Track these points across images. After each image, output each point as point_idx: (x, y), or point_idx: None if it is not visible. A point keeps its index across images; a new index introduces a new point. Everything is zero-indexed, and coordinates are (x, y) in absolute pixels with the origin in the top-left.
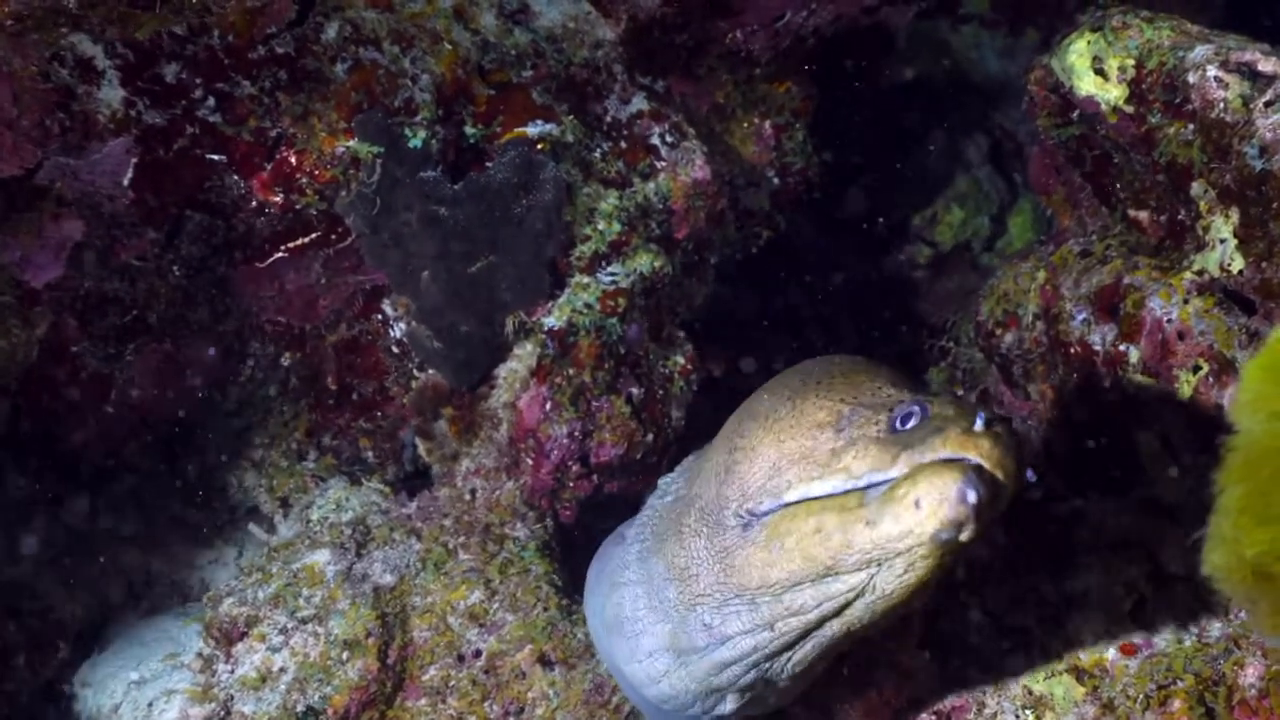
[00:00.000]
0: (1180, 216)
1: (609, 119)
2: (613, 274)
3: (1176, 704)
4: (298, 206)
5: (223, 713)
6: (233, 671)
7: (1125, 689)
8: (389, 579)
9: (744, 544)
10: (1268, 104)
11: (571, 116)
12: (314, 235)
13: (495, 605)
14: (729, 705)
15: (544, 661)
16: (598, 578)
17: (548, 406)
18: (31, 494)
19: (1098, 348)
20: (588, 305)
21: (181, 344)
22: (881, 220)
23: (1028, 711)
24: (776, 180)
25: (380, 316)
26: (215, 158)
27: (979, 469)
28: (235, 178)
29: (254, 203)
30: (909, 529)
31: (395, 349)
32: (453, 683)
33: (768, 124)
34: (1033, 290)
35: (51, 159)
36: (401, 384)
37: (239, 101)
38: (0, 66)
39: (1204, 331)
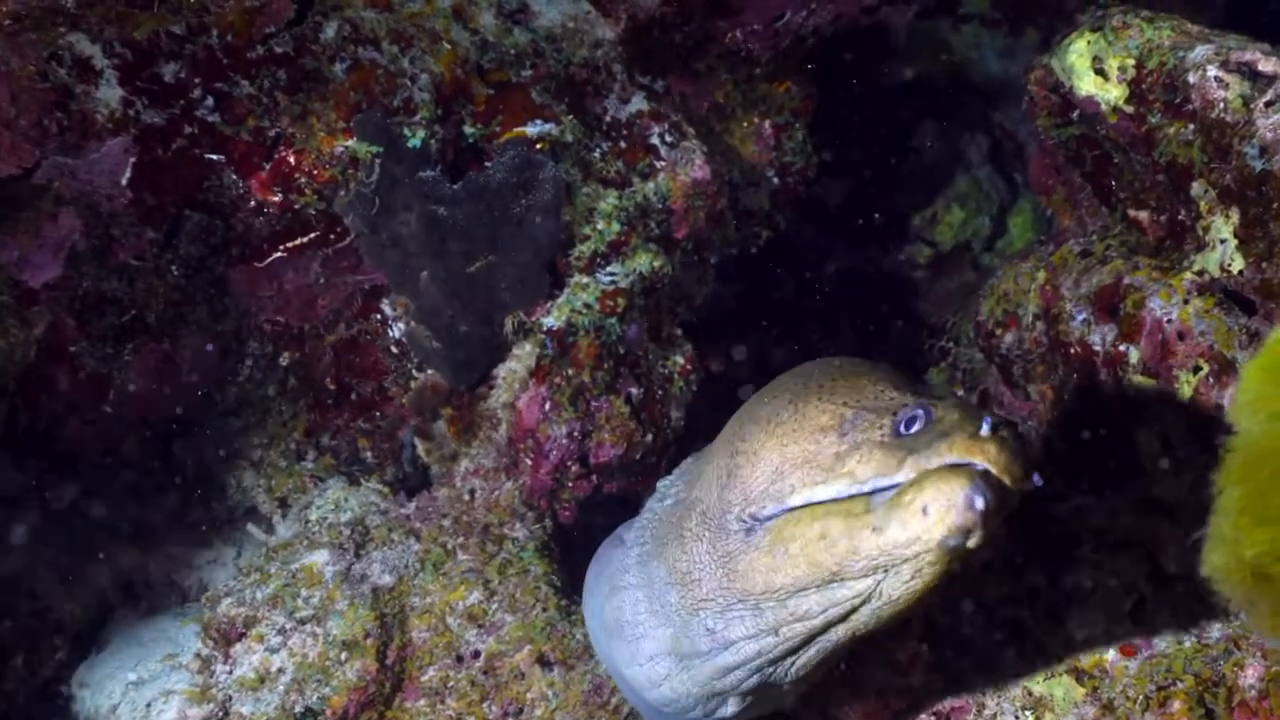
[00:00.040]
0: (1180, 217)
1: (608, 119)
2: (612, 274)
3: (1176, 705)
4: (296, 206)
5: (221, 713)
6: (231, 672)
7: (1125, 690)
8: (388, 579)
9: (747, 549)
10: (1268, 104)
11: (571, 116)
12: (313, 235)
13: (494, 606)
14: (730, 708)
15: (543, 662)
16: (596, 580)
17: (547, 407)
18: (29, 494)
19: (1098, 348)
20: (587, 305)
21: (180, 344)
22: (881, 219)
23: (1027, 712)
24: (776, 180)
25: (379, 316)
26: (214, 157)
27: (985, 474)
28: (234, 177)
29: (252, 202)
30: (916, 535)
31: (394, 349)
32: (451, 683)
33: (767, 124)
34: (1033, 290)
35: (49, 158)
36: (400, 384)
37: (237, 101)
38: None
39: (1204, 332)
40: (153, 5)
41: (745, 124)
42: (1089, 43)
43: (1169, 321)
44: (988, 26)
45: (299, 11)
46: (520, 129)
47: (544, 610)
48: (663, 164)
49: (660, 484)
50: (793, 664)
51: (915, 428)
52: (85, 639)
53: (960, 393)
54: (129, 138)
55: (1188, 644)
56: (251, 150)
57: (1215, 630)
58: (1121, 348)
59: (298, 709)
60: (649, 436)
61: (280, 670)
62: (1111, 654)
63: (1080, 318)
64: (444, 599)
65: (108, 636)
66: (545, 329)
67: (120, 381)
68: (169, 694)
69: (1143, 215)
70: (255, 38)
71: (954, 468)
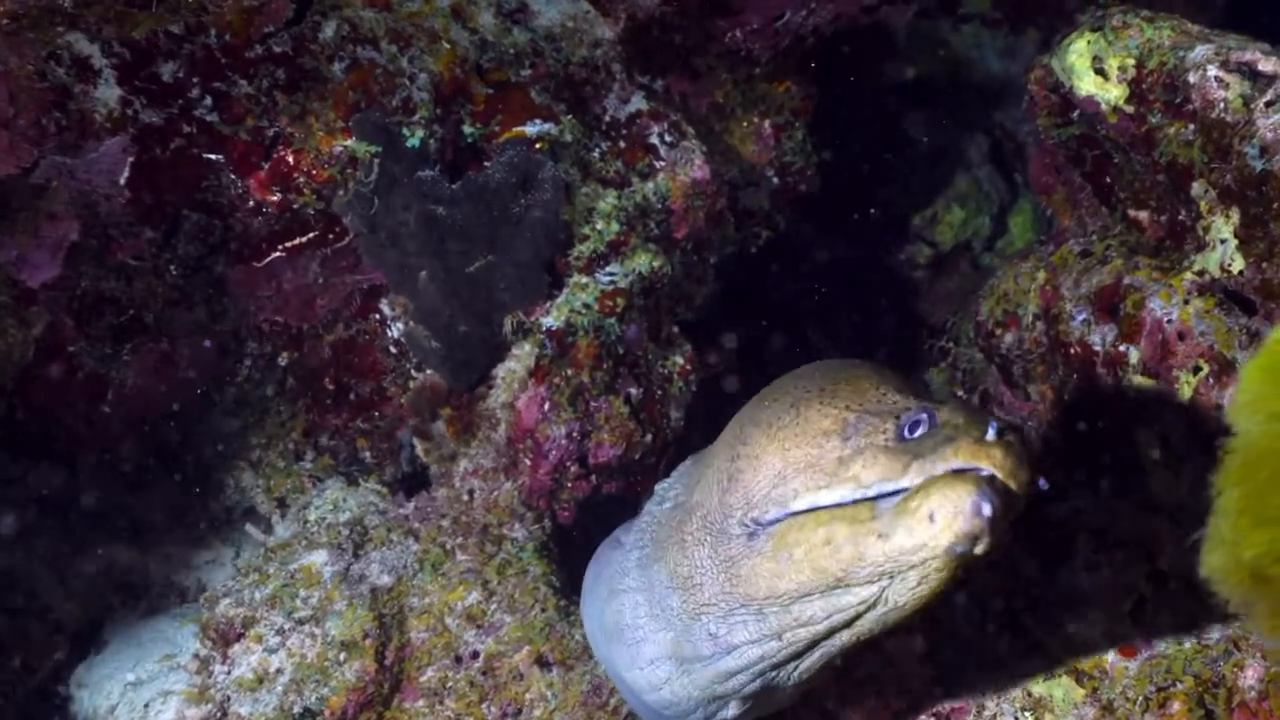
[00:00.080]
0: (1180, 217)
1: (608, 118)
2: (611, 274)
3: (1176, 706)
4: (295, 206)
5: (219, 714)
6: (229, 673)
7: (1125, 691)
8: (386, 580)
9: (750, 554)
10: (1268, 104)
11: (570, 116)
12: (311, 235)
13: (493, 606)
14: (731, 711)
15: (542, 663)
16: (594, 583)
17: (546, 407)
18: (27, 494)
19: (1098, 348)
20: (586, 305)
21: (178, 344)
22: (881, 219)
23: (1027, 713)
24: (776, 180)
25: (378, 316)
26: (212, 157)
27: (991, 480)
28: (232, 177)
29: (251, 202)
30: (923, 542)
31: (393, 349)
32: (450, 684)
33: (767, 123)
34: (1033, 290)
35: (48, 158)
36: (399, 384)
37: (236, 101)
38: None
39: (1204, 332)
40: (151, 5)
41: (745, 124)
42: (1089, 42)
43: (1169, 322)
44: (988, 26)
45: (297, 11)
46: (519, 128)
47: (543, 611)
48: (662, 164)
49: (658, 487)
50: (796, 668)
51: (919, 432)
52: (83, 639)
53: (960, 393)
54: (127, 137)
55: (1187, 645)
56: (250, 150)
57: (1215, 631)
58: (1121, 348)
59: (296, 709)
60: (648, 437)
61: (279, 671)
62: (1111, 655)
63: (1080, 318)
64: (443, 599)
65: (106, 637)
66: (544, 329)
67: (118, 381)
68: (167, 694)
69: (1143, 215)
70: (254, 37)
71: (960, 473)
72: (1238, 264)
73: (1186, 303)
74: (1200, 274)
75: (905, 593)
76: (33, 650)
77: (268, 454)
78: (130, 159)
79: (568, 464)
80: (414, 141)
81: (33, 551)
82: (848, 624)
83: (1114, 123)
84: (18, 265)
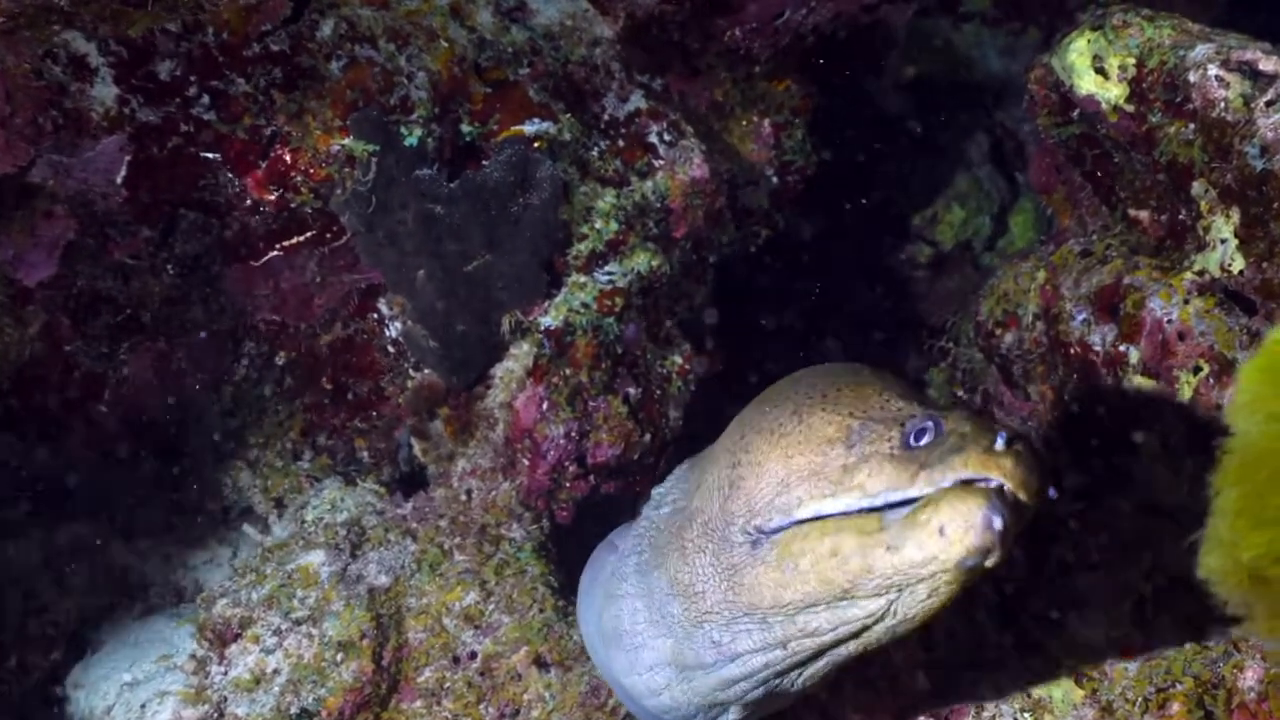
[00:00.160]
0: (1181, 216)
1: (606, 117)
2: (610, 273)
3: (1175, 707)
4: (292, 205)
5: (216, 714)
6: (226, 673)
7: (1124, 691)
8: (384, 580)
9: (753, 562)
10: (1269, 103)
11: (569, 114)
12: (309, 234)
13: (491, 607)
14: (732, 716)
15: (540, 663)
16: (590, 587)
17: (544, 406)
18: (23, 493)
19: (1098, 348)
20: (585, 305)
21: (175, 343)
22: (881, 218)
23: (1026, 714)
24: (775, 179)
25: (376, 315)
26: (209, 156)
27: (1000, 490)
28: (229, 176)
29: (248, 201)
30: (933, 555)
31: (391, 348)
32: (448, 685)
33: (767, 122)
34: (1033, 290)
35: (44, 157)
36: (397, 384)
37: (233, 99)
38: None
39: (1204, 332)
40: (147, 3)
41: (744, 122)
42: (1089, 41)
43: (1169, 322)
44: (988, 25)
45: (295, 9)
46: (518, 127)
47: (541, 611)
48: (661, 163)
49: (656, 491)
50: (800, 674)
51: (925, 440)
52: (80, 639)
53: (960, 393)
54: (124, 136)
55: (1187, 646)
56: (247, 148)
57: (1215, 632)
58: (1121, 348)
59: (293, 710)
60: (647, 436)
61: (276, 671)
62: (1111, 655)
63: (1080, 318)
64: (440, 600)
65: (103, 637)
66: (543, 328)
67: (115, 380)
68: (164, 695)
69: (1143, 215)
70: (251, 35)
71: (969, 484)
72: (1238, 264)
73: (1187, 303)
74: (1200, 274)
75: (915, 605)
76: (29, 650)
77: (265, 453)
78: (127, 157)
79: (566, 464)
80: (412, 140)
81: (29, 551)
82: (855, 635)
83: (1114, 122)
84: (14, 264)
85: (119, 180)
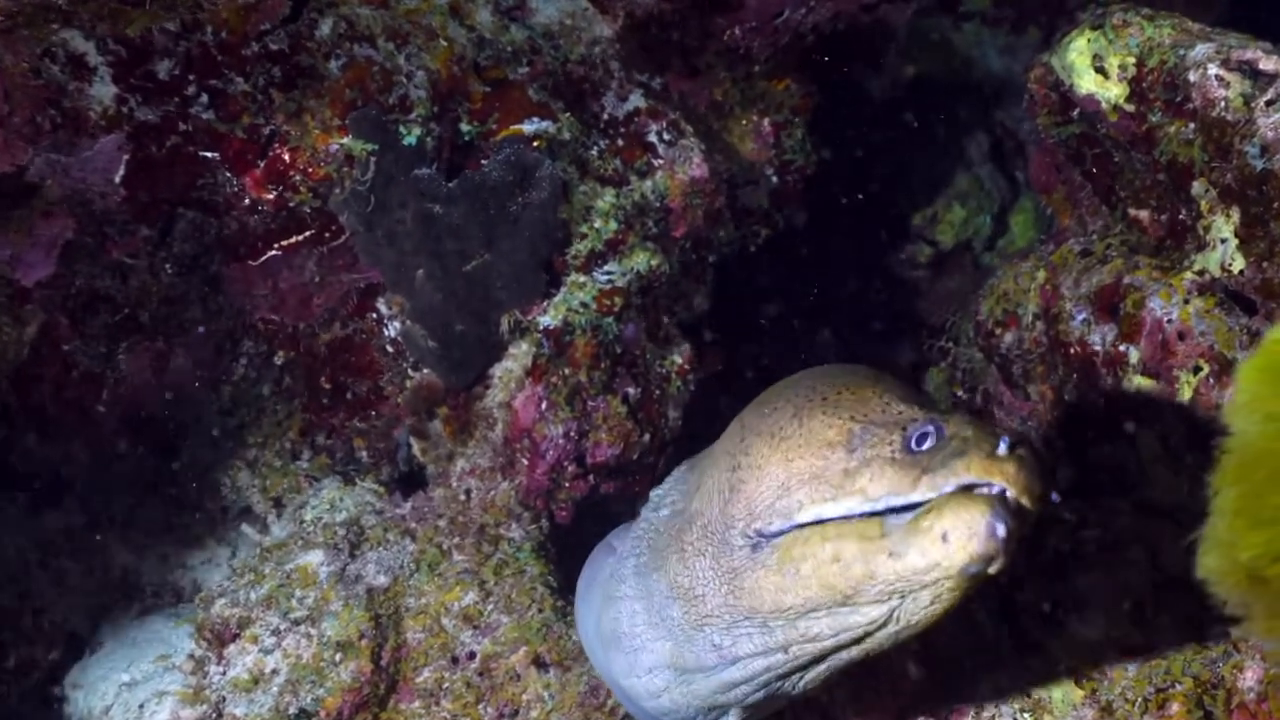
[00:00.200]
0: (1181, 216)
1: (606, 116)
2: (609, 273)
3: (1175, 707)
4: (291, 204)
5: (214, 715)
6: (224, 673)
7: (1124, 692)
8: (383, 580)
9: (754, 566)
10: (1269, 103)
11: (568, 114)
12: (307, 233)
13: (490, 607)
14: (732, 718)
15: (539, 663)
16: (589, 588)
17: (543, 406)
18: (22, 493)
19: (1098, 348)
20: (584, 304)
21: (174, 343)
22: (881, 218)
23: (1026, 714)
24: (775, 178)
25: (375, 315)
26: (208, 155)
27: (1003, 496)
28: (228, 175)
29: (247, 200)
30: (936, 562)
31: (390, 348)
32: (447, 685)
33: (766, 121)
34: (1033, 290)
35: (42, 156)
36: (396, 383)
37: (232, 98)
38: None
39: (1204, 332)
40: (146, 2)
41: (744, 122)
42: (1089, 41)
43: (1169, 321)
44: (988, 24)
45: (294, 8)
46: (517, 127)
47: (540, 611)
48: (661, 162)
49: (654, 493)
50: (802, 678)
51: (927, 444)
52: (78, 640)
53: (960, 393)
54: (122, 135)
55: (1187, 646)
56: (246, 148)
57: (1214, 632)
58: (1121, 348)
59: (292, 710)
60: (646, 436)
61: (274, 671)
62: (1111, 655)
63: (1080, 317)
64: (439, 600)
65: (101, 637)
66: (542, 328)
67: (114, 380)
68: (162, 695)
69: (1143, 214)
70: (250, 34)
71: (972, 490)
72: (1238, 263)
73: (1186, 302)
74: (1200, 273)
75: (918, 611)
76: (27, 650)
77: (264, 453)
78: (125, 157)
79: (565, 464)
80: (411, 140)
81: (27, 551)
82: (857, 640)
83: (1114, 121)
84: (12, 263)
85: (117, 179)
